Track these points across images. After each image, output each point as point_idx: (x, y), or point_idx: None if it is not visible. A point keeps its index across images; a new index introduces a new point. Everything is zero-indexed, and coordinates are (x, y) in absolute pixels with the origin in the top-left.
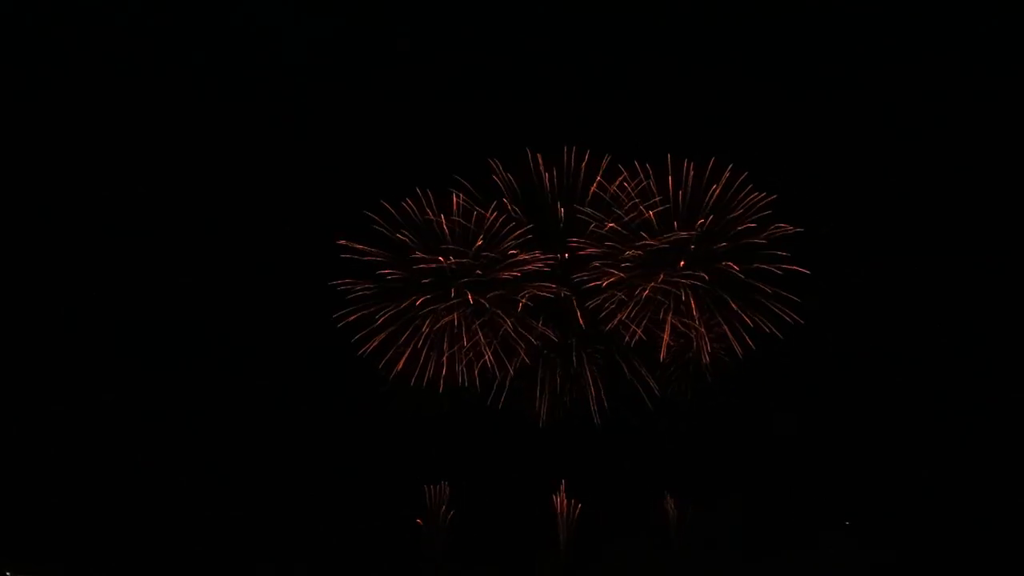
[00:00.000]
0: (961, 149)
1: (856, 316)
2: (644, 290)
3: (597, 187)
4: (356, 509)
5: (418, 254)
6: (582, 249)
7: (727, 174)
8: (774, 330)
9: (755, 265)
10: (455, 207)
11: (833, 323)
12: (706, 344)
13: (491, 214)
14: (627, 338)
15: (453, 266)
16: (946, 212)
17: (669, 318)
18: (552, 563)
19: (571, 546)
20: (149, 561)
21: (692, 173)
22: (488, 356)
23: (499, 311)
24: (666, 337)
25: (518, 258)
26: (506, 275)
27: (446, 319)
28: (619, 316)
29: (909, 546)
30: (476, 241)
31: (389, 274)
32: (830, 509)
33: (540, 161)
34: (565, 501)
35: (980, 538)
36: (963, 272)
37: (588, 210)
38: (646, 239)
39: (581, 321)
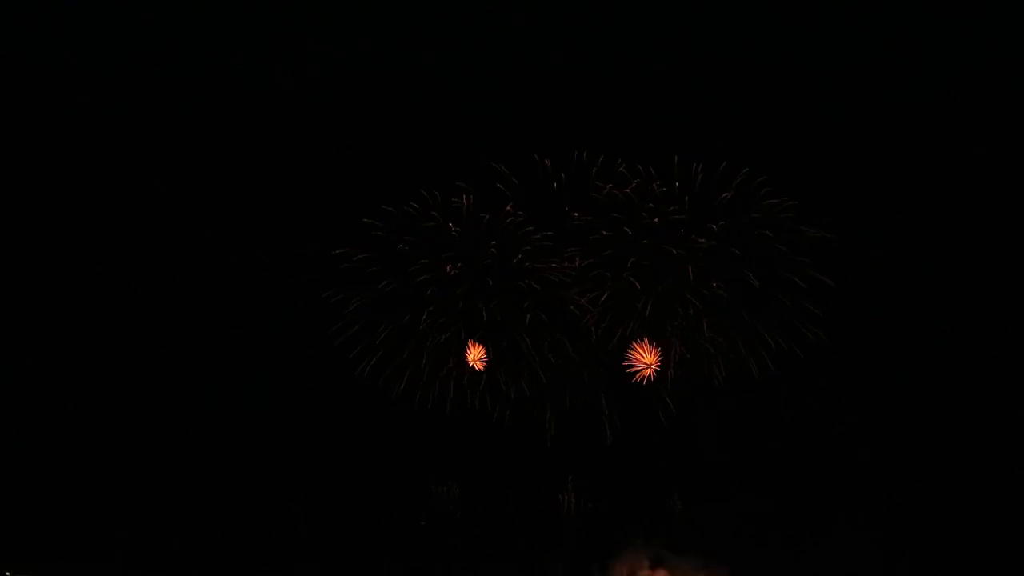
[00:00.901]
0: (960, 150)
1: (867, 313)
2: (648, 301)
3: (600, 192)
4: (361, 509)
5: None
6: (585, 257)
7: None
8: (795, 347)
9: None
10: (465, 210)
11: (843, 323)
12: (719, 364)
13: (506, 219)
14: (628, 360)
15: (459, 272)
16: (945, 212)
17: (676, 345)
18: (557, 563)
19: (577, 545)
20: (150, 561)
21: (701, 176)
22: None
23: (509, 322)
24: (675, 356)
25: (528, 267)
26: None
27: (450, 332)
28: (620, 330)
29: (917, 544)
30: (486, 248)
31: (388, 284)
32: (844, 506)
33: (548, 165)
34: (573, 500)
35: (990, 539)
36: (968, 271)
37: (589, 218)
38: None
39: (593, 332)
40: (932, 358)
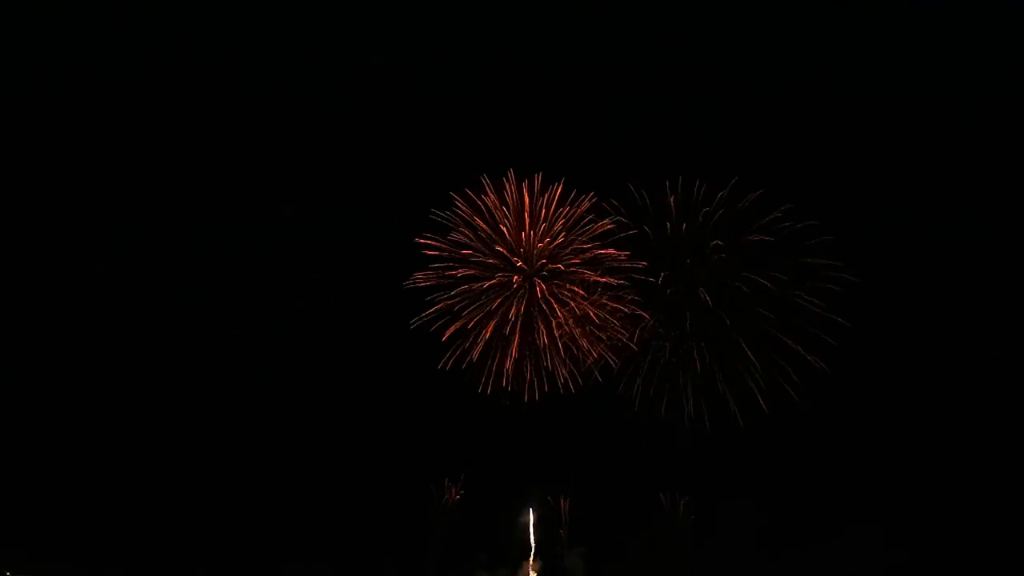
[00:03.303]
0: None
1: (886, 315)
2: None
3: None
4: (364, 506)
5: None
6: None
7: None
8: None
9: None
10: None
11: (863, 322)
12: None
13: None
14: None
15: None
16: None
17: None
18: (564, 560)
19: (585, 543)
20: (150, 561)
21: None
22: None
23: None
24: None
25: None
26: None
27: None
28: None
29: (929, 546)
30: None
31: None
32: (858, 505)
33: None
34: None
35: (1004, 544)
36: (977, 270)
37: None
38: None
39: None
40: (932, 364)
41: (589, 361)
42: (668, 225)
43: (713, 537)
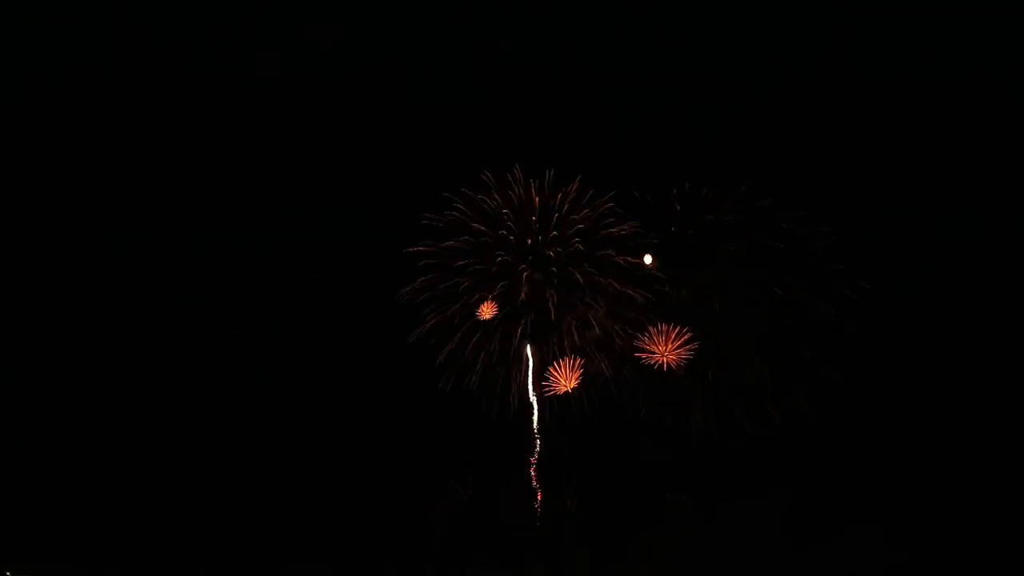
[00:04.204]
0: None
1: (888, 317)
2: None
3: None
4: (364, 506)
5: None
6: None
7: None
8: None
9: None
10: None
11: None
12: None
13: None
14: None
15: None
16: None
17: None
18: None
19: (589, 543)
20: (150, 562)
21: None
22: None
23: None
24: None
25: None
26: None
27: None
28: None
29: (929, 546)
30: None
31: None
32: (858, 505)
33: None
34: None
35: (1004, 543)
36: (982, 274)
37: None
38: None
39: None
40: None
41: (599, 365)
42: (672, 229)
43: (715, 537)
